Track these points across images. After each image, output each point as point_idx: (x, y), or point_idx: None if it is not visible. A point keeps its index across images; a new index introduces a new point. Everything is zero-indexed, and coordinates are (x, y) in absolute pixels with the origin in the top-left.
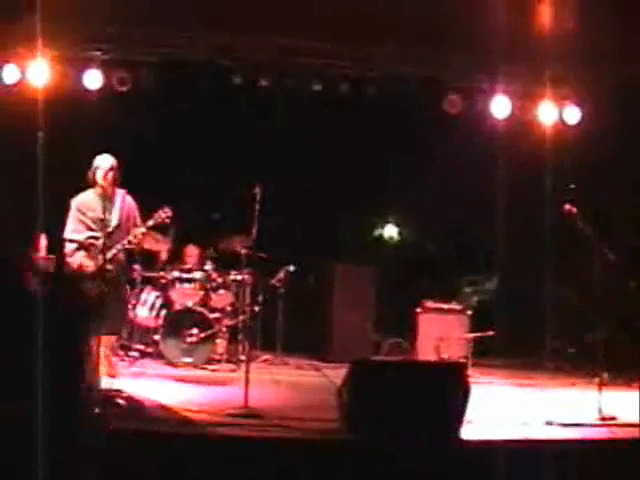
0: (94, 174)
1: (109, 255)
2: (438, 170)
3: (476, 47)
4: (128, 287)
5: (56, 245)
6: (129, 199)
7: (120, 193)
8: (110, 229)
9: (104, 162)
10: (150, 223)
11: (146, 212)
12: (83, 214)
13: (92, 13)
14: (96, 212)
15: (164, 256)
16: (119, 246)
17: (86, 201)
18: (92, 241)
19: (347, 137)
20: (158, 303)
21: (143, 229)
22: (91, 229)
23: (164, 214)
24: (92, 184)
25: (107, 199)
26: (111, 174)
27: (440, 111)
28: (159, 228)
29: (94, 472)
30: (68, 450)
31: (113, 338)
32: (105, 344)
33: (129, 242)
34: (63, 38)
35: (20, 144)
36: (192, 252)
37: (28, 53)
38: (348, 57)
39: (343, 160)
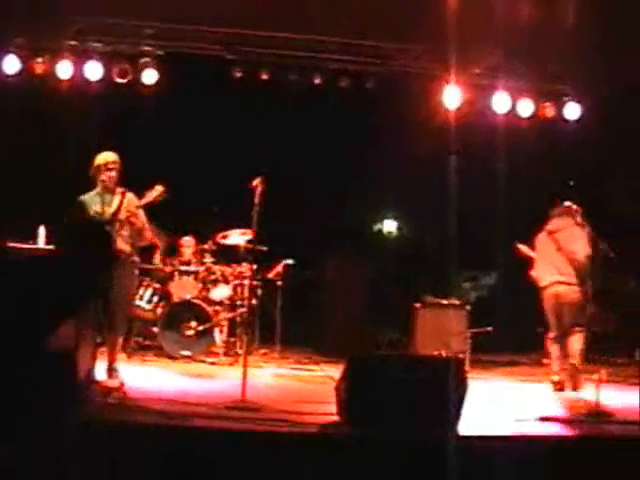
0: (96, 172)
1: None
2: (437, 165)
3: (474, 43)
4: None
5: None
6: (130, 195)
7: (120, 190)
8: (107, 217)
9: (105, 160)
10: (143, 201)
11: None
12: (87, 210)
13: (93, 5)
14: (96, 206)
15: (157, 259)
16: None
17: (87, 200)
18: None
19: (347, 131)
20: (157, 296)
21: (134, 208)
22: None
23: (156, 192)
24: (94, 182)
25: (107, 194)
26: (113, 173)
27: (439, 106)
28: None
29: (89, 464)
30: (62, 442)
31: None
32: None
33: (127, 220)
34: (64, 30)
35: (21, 135)
36: (188, 243)
37: (29, 43)
38: (348, 51)
39: (342, 154)
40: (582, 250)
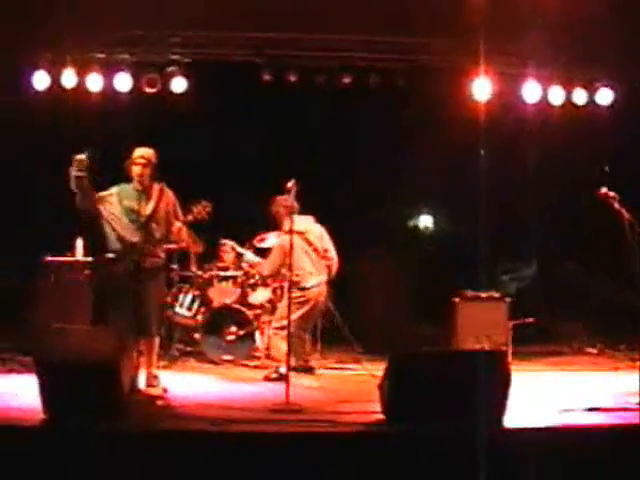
0: (130, 167)
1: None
2: (470, 157)
3: (502, 33)
4: (166, 287)
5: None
6: (168, 192)
7: (158, 187)
8: (143, 219)
9: (141, 155)
10: (189, 218)
11: (184, 207)
12: (119, 201)
13: (120, 15)
14: (131, 202)
15: (194, 258)
16: (154, 242)
17: (124, 189)
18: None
19: (378, 129)
20: (196, 302)
21: (179, 224)
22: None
23: (203, 209)
24: (129, 177)
25: (143, 192)
26: (139, 168)
27: (470, 99)
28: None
29: (134, 472)
30: (109, 449)
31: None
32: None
33: (167, 237)
34: (91, 41)
35: (54, 148)
36: (228, 248)
37: (57, 58)
38: (376, 48)
39: (375, 151)
40: (333, 250)
